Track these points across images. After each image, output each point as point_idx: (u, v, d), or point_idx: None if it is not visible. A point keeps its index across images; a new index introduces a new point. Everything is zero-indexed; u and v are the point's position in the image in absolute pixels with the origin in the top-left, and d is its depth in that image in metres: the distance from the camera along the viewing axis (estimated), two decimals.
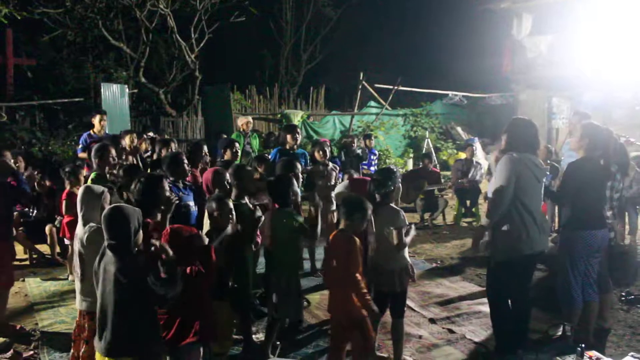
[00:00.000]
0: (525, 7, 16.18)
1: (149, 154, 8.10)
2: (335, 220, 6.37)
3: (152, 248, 3.18)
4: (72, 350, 3.92)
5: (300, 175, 5.77)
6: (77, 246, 3.87)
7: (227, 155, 6.62)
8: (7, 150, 5.37)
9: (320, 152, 7.00)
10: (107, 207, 3.80)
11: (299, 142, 7.32)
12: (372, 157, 10.80)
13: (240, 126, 9.54)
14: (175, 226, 3.64)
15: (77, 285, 3.89)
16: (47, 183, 7.61)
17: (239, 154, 6.99)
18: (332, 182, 6.60)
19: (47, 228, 7.26)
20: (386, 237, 4.27)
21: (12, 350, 4.67)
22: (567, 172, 4.71)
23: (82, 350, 3.73)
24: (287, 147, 7.14)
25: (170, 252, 3.16)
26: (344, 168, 8.33)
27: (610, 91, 13.90)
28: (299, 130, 7.51)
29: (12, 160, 7.31)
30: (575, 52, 14.60)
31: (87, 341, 3.71)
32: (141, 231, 3.24)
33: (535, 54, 15.88)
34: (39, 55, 14.03)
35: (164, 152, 6.69)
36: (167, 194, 3.91)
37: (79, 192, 4.01)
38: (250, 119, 10.07)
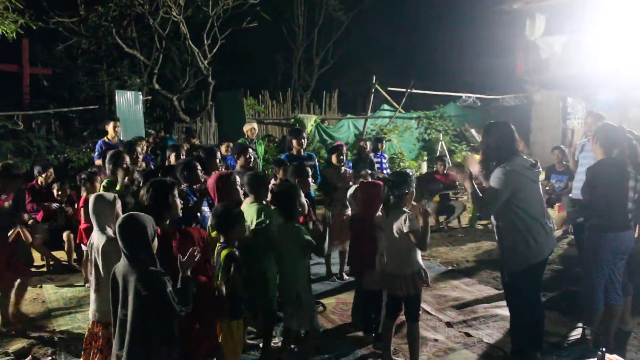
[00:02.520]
0: (538, 8, 16.11)
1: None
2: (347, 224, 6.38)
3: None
4: (82, 359, 3.86)
5: (311, 181, 5.74)
6: (93, 255, 3.85)
7: (241, 162, 6.64)
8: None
9: (340, 157, 6.97)
10: (120, 213, 3.83)
11: (304, 146, 7.27)
12: (382, 160, 10.75)
13: (245, 132, 9.50)
14: (185, 228, 3.65)
15: (92, 296, 3.88)
16: (68, 191, 7.69)
17: (252, 160, 7.00)
18: (347, 186, 6.59)
19: (64, 235, 7.32)
20: (398, 240, 4.25)
21: (30, 356, 4.71)
22: (588, 176, 4.64)
23: (96, 359, 3.70)
24: (294, 151, 7.10)
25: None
26: (357, 171, 8.30)
27: (626, 90, 13.76)
28: (304, 134, 7.44)
29: (43, 173, 7.47)
30: (589, 51, 14.51)
31: (101, 350, 3.69)
32: (156, 239, 3.23)
33: (549, 54, 15.80)
34: (54, 64, 14.16)
35: (172, 158, 6.75)
36: (178, 200, 3.89)
37: (90, 200, 3.97)
38: (255, 125, 9.99)
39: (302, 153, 7.12)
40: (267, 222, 4.32)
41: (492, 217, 4.37)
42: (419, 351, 4.40)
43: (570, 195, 7.78)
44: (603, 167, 4.53)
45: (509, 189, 4.06)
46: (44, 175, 7.53)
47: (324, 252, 4.56)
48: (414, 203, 4.47)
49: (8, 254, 5.42)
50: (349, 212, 6.51)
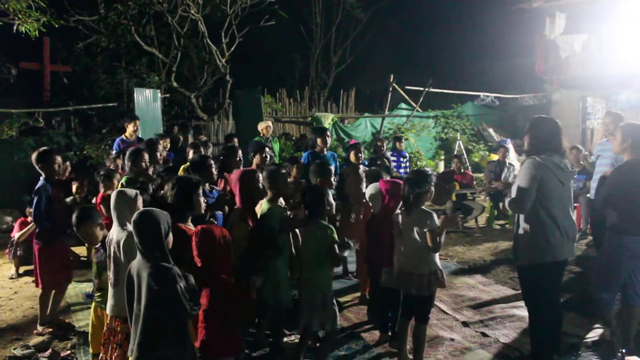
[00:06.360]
0: (558, 6, 15.92)
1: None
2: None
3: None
4: (101, 354, 3.85)
5: (333, 179, 5.74)
6: (112, 249, 3.85)
7: (257, 160, 6.66)
8: (57, 155, 5.43)
9: (358, 155, 6.96)
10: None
11: (328, 144, 7.29)
12: (401, 159, 10.70)
13: (260, 130, 9.52)
14: (206, 226, 3.67)
15: (110, 290, 3.87)
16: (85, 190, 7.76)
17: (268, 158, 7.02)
18: (364, 185, 6.57)
19: None
20: (417, 239, 4.24)
21: (50, 350, 4.78)
22: (613, 176, 4.57)
23: (115, 354, 3.70)
24: (317, 149, 7.12)
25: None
26: None
27: None
28: (328, 132, 7.47)
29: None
30: (610, 50, 14.32)
31: (120, 344, 3.69)
32: (171, 235, 3.25)
33: (568, 53, 15.59)
34: (74, 62, 14.32)
35: (191, 155, 6.79)
36: (202, 199, 3.90)
37: (112, 196, 3.97)
38: (270, 123, 9.98)
39: (325, 152, 7.16)
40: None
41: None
42: (423, 353, 4.37)
43: (588, 195, 7.70)
44: (630, 169, 4.46)
45: (536, 180, 4.03)
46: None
47: (339, 263, 4.52)
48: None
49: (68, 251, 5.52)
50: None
